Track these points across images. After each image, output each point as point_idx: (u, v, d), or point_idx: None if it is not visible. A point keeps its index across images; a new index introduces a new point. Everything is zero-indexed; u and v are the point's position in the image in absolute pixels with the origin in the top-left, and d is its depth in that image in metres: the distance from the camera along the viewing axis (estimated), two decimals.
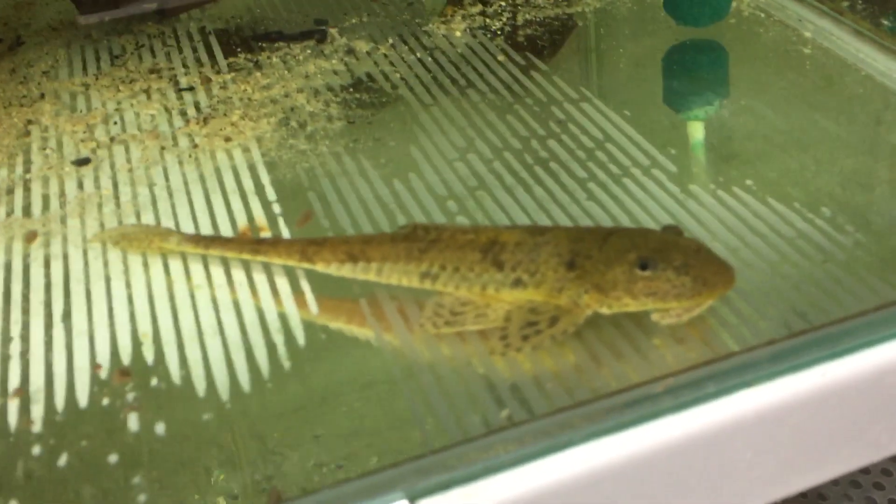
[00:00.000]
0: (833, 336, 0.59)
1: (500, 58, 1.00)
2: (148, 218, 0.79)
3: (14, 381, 0.63)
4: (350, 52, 1.04)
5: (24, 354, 0.65)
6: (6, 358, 0.65)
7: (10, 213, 0.81)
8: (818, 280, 0.65)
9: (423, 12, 1.11)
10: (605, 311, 0.60)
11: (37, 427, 0.59)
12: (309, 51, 1.04)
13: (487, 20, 1.08)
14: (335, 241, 0.68)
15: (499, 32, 1.05)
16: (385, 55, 1.02)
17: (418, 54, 1.02)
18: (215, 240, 0.72)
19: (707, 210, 0.73)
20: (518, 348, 0.59)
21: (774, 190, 0.74)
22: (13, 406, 0.61)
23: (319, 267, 0.68)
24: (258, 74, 1.00)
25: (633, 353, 0.60)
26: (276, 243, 0.70)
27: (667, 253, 0.59)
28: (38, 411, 0.60)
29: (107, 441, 0.58)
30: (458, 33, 1.06)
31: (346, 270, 0.67)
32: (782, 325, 0.61)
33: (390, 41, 1.05)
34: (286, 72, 1.00)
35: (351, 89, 0.96)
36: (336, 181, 0.81)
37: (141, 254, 0.74)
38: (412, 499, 0.52)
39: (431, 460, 0.54)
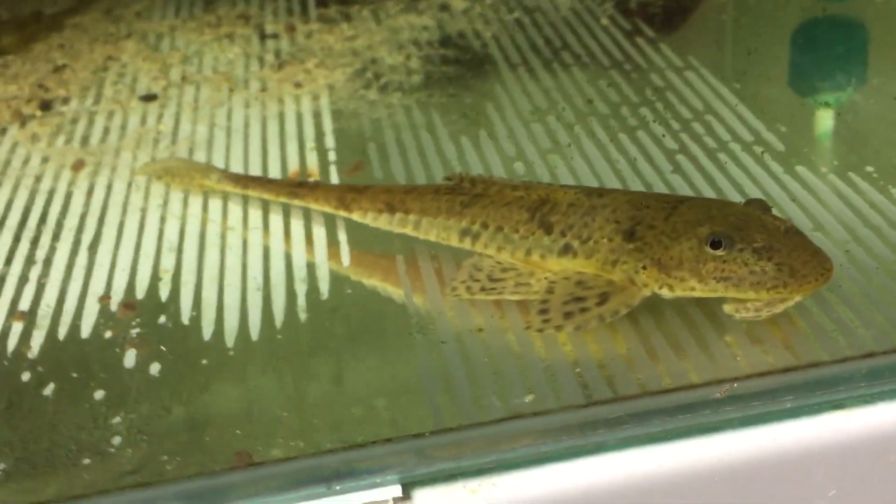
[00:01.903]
0: None
1: (604, 21, 0.90)
2: (200, 156, 0.75)
3: (24, 304, 0.60)
4: (444, 8, 0.97)
5: (42, 279, 0.62)
6: (23, 280, 0.62)
7: (68, 141, 0.79)
8: None
9: None
10: (665, 293, 0.51)
11: (33, 353, 0.55)
12: (402, 6, 0.98)
13: None
14: (376, 189, 0.61)
15: None
16: (481, 14, 0.95)
17: (516, 14, 0.94)
18: (255, 180, 0.67)
19: (813, 195, 0.62)
20: (558, 326, 0.51)
21: None
22: (16, 329, 0.57)
23: (356, 216, 0.61)
24: (345, 25, 0.95)
25: (698, 350, 0.50)
26: (315, 188, 0.64)
27: (747, 231, 0.49)
28: (38, 337, 0.57)
29: (98, 376, 0.53)
30: None
31: (382, 221, 0.60)
32: (888, 337, 0.50)
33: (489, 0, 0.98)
34: (374, 24, 0.95)
35: (437, 45, 0.89)
36: (400, 133, 0.75)
37: (183, 190, 0.70)
38: (406, 485, 0.45)
39: (435, 441, 0.46)
